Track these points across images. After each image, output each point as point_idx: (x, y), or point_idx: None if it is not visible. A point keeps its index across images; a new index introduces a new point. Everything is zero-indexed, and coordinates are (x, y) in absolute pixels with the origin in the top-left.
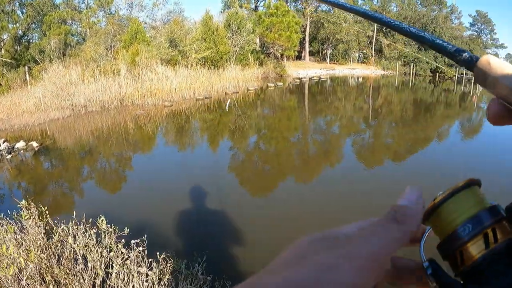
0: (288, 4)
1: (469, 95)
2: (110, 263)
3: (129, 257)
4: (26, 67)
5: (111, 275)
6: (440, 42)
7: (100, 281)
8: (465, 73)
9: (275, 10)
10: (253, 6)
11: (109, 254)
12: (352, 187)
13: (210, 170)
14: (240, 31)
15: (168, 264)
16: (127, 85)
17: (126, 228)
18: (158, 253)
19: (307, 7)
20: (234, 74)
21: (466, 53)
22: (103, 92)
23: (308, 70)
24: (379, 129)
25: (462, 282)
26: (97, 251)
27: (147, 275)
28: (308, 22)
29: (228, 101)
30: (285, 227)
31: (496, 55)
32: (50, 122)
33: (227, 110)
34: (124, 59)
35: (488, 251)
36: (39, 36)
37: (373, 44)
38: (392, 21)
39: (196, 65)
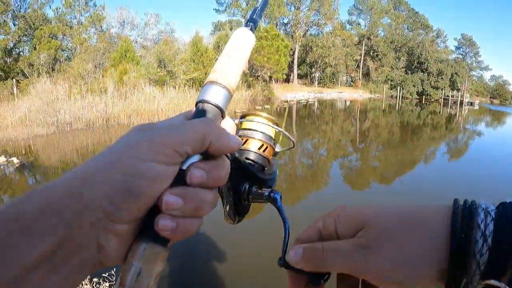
0: (278, 27)
1: (454, 117)
2: None
3: None
4: (14, 80)
5: None
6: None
7: None
8: (451, 96)
9: (265, 33)
10: None
11: None
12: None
13: None
14: None
15: None
16: (114, 104)
17: None
18: None
19: (296, 31)
20: None
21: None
22: (89, 110)
23: (296, 93)
24: (366, 151)
25: None
26: None
27: None
28: (297, 46)
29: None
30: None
31: (481, 77)
32: (34, 138)
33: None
34: (112, 78)
35: None
36: (29, 50)
37: (361, 67)
38: None
39: (184, 86)
